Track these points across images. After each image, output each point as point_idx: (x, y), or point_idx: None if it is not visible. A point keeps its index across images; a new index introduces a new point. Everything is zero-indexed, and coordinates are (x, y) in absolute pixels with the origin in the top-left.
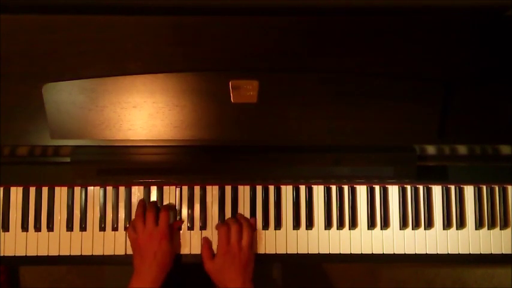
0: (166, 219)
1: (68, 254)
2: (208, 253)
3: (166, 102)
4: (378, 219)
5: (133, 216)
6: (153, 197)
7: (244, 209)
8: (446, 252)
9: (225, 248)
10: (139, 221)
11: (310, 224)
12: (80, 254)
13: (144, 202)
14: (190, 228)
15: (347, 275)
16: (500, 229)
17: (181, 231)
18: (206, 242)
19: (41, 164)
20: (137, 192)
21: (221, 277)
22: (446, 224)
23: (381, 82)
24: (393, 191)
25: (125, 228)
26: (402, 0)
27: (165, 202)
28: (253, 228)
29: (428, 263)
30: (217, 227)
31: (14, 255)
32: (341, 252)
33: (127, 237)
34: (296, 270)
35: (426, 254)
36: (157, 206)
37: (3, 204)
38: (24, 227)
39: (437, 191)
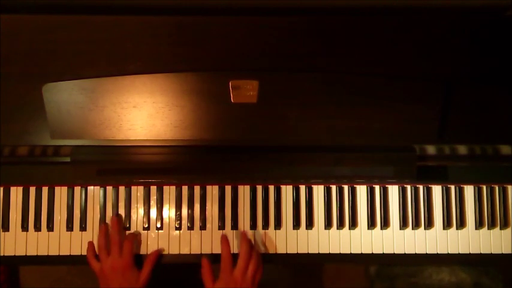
0: (129, 249)
1: (68, 254)
2: (209, 278)
3: (166, 102)
4: (378, 219)
5: (133, 216)
6: (153, 197)
7: (244, 209)
8: (447, 252)
9: (229, 276)
10: (103, 252)
11: (310, 224)
12: (80, 254)
13: (106, 229)
14: (190, 228)
15: (347, 275)
16: (500, 229)
17: (181, 231)
18: (207, 268)
19: (41, 164)
20: (137, 192)
21: None
22: (446, 224)
23: (380, 82)
24: (393, 191)
25: (126, 228)
26: (402, 0)
27: (165, 202)
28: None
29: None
30: (222, 249)
31: (14, 255)
32: (341, 252)
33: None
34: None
35: (426, 254)
36: (121, 234)
37: (3, 204)
38: (24, 227)
39: (437, 191)
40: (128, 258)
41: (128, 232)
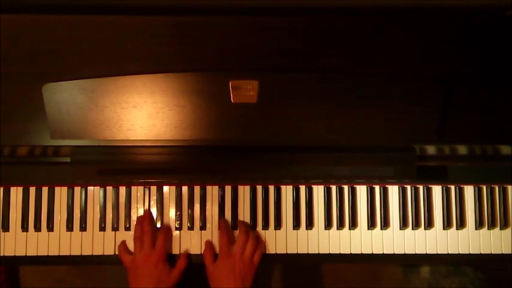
0: (163, 242)
1: (68, 254)
2: (211, 257)
3: (166, 102)
4: (378, 219)
5: (133, 216)
6: (153, 197)
7: (244, 209)
8: (447, 252)
9: (227, 253)
10: (138, 242)
11: (310, 224)
12: (80, 254)
13: (143, 221)
14: (190, 228)
15: (347, 275)
16: (500, 229)
17: (181, 231)
18: (209, 246)
19: (41, 164)
20: (137, 192)
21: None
22: (446, 224)
23: (381, 82)
24: (393, 191)
25: (126, 228)
26: (402, 0)
27: (165, 202)
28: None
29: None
30: (220, 230)
31: (14, 255)
32: (341, 252)
33: (127, 237)
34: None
35: (426, 254)
36: (155, 226)
37: (3, 204)
38: (24, 227)
39: (437, 191)
40: (161, 251)
41: (164, 225)
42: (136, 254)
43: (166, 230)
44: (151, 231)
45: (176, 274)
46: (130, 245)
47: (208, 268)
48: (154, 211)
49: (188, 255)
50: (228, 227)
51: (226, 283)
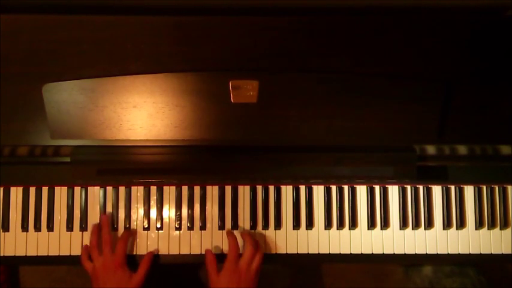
0: (122, 248)
1: (68, 254)
2: (214, 269)
3: (166, 102)
4: (378, 219)
5: (133, 216)
6: (153, 197)
7: (244, 209)
8: (447, 252)
9: (233, 266)
10: (95, 250)
11: (310, 224)
12: (79, 254)
13: (98, 229)
14: (190, 228)
15: (347, 275)
16: (500, 229)
17: (181, 231)
18: (212, 258)
19: (41, 164)
20: (137, 192)
21: None
22: (446, 224)
23: (380, 82)
24: (393, 191)
25: (126, 228)
26: (402, 0)
27: (165, 202)
28: (263, 255)
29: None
30: (229, 241)
31: (14, 255)
32: (341, 252)
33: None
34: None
35: (426, 254)
36: (110, 233)
37: (3, 204)
38: (24, 227)
39: (437, 191)
40: (120, 257)
41: (122, 231)
42: (94, 261)
43: (126, 235)
44: (110, 238)
45: (138, 278)
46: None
47: (212, 279)
48: (154, 211)
49: (152, 257)
50: (237, 241)
51: None
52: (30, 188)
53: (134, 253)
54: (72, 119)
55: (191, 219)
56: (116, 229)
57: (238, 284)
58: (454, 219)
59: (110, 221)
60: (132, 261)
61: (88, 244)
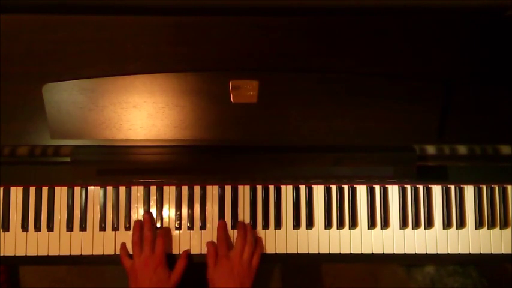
0: (162, 246)
1: (68, 254)
2: (214, 261)
3: (166, 102)
4: (378, 219)
5: (133, 216)
6: (153, 197)
7: (244, 209)
8: (447, 252)
9: (225, 259)
10: (136, 247)
11: (310, 224)
12: (80, 254)
13: (141, 226)
14: (190, 228)
15: (347, 275)
16: (500, 229)
17: (181, 231)
18: (213, 250)
19: (41, 164)
20: (137, 192)
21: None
22: (446, 224)
23: (380, 82)
24: (393, 191)
25: (126, 228)
26: (402, 0)
27: (165, 202)
28: (253, 246)
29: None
30: (218, 236)
31: (14, 255)
32: (341, 252)
33: (127, 237)
34: (296, 270)
35: (426, 253)
36: (155, 230)
37: (3, 204)
38: (24, 227)
39: (437, 191)
40: (160, 255)
41: (161, 229)
42: (135, 259)
43: (165, 233)
44: (152, 236)
45: (176, 277)
46: (131, 247)
47: (209, 271)
48: (154, 211)
49: (188, 255)
50: (226, 231)
51: (225, 286)
52: (30, 188)
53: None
54: (72, 119)
55: (191, 219)
56: (116, 229)
57: (230, 276)
58: (454, 219)
59: (152, 218)
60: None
61: (125, 242)
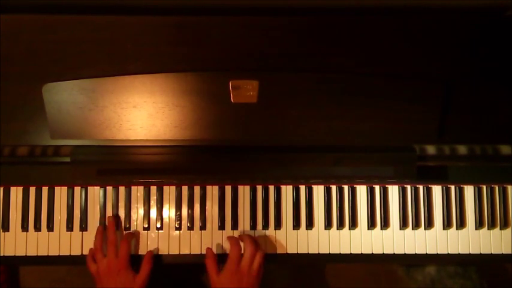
0: (125, 250)
1: (68, 254)
2: (214, 269)
3: (166, 102)
4: (378, 219)
5: (133, 216)
6: (153, 197)
7: (244, 209)
8: (447, 252)
9: (235, 267)
10: (98, 252)
11: (310, 224)
12: (80, 254)
13: (102, 231)
14: (190, 228)
15: (347, 275)
16: (500, 229)
17: (181, 231)
18: (212, 257)
19: (41, 164)
20: (137, 192)
21: None
22: (446, 224)
23: (380, 82)
24: (393, 191)
25: (126, 228)
26: (402, 0)
27: (165, 202)
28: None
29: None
30: (230, 242)
31: (14, 255)
32: (341, 252)
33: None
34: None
35: (426, 254)
36: (116, 234)
37: (3, 204)
38: (24, 227)
39: (437, 191)
40: (123, 259)
41: (125, 232)
42: (98, 263)
43: (129, 237)
44: (115, 240)
45: (140, 280)
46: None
47: (212, 279)
48: (154, 211)
49: (152, 257)
50: (238, 242)
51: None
52: (30, 188)
53: (134, 253)
54: (72, 119)
55: (191, 219)
56: (116, 229)
57: (240, 285)
58: (454, 219)
59: (116, 222)
60: (133, 261)
61: (92, 247)
